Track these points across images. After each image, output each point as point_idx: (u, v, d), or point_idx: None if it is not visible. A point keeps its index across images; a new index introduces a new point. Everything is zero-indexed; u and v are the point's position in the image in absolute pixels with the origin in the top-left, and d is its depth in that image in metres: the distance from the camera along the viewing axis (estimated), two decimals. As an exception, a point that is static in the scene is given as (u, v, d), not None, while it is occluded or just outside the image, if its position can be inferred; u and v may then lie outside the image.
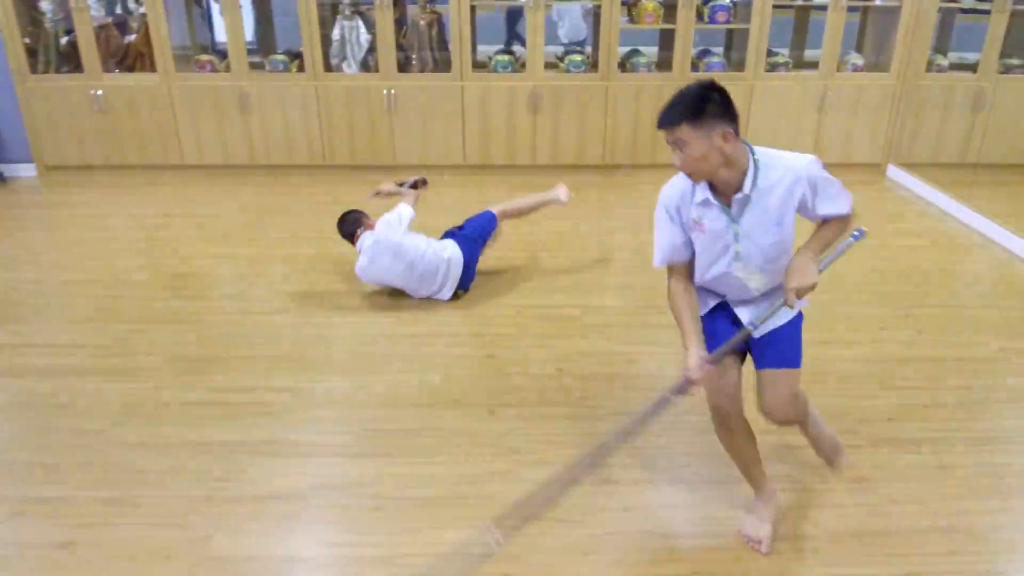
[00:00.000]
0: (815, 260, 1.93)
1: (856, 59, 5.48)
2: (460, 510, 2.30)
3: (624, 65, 5.47)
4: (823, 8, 5.27)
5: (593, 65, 5.42)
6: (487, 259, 3.87)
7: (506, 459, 2.52)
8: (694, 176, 1.95)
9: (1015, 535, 2.22)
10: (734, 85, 5.08)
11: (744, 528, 2.18)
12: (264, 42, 5.77)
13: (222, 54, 5.49)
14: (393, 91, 5.31)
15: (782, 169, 1.94)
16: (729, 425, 2.08)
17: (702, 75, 5.32)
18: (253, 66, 5.36)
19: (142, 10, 5.19)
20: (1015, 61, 5.47)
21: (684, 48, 5.31)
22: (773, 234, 1.97)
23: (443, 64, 5.45)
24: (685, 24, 5.25)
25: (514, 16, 6.62)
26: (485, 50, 5.76)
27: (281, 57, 5.39)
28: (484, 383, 2.97)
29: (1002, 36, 5.28)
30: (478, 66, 5.45)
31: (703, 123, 1.84)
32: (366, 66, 5.48)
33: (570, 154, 5.54)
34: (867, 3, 5.36)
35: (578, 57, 5.41)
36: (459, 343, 3.31)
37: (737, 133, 1.88)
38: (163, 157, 5.47)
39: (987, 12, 5.29)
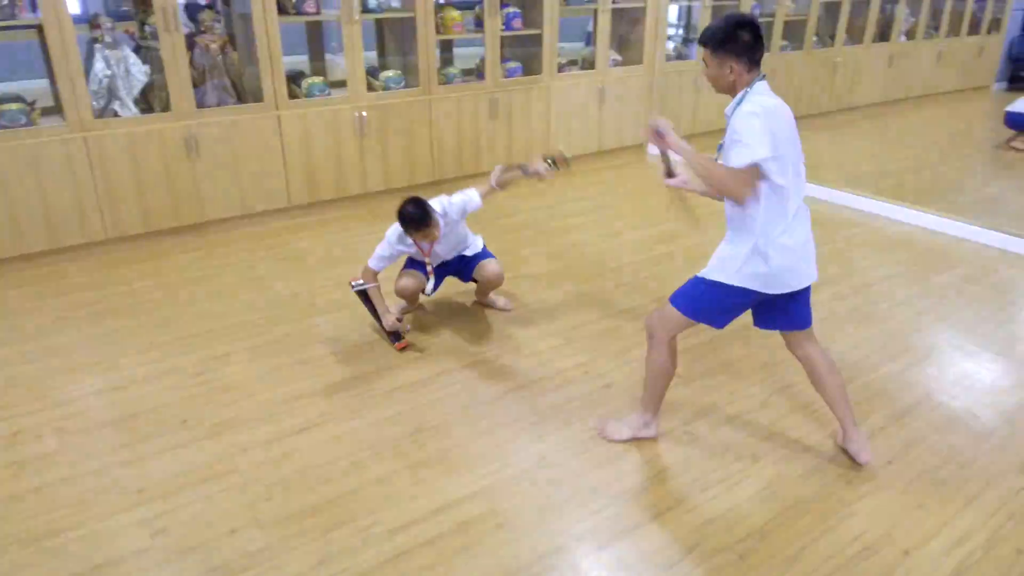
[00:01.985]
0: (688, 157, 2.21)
1: (615, 55, 6.14)
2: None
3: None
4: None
5: (415, 80, 5.11)
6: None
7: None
8: (714, 87, 2.25)
9: None
10: (534, 87, 5.35)
11: (606, 428, 2.57)
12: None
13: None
14: (194, 133, 4.31)
15: (746, 107, 2.12)
16: (650, 345, 2.41)
17: (505, 81, 5.43)
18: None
19: None
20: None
21: (494, 56, 5.34)
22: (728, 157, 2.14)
23: (250, 94, 4.58)
24: (492, 33, 5.27)
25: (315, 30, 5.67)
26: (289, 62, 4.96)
27: (14, 107, 3.93)
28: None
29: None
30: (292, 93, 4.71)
31: (719, 53, 2.16)
32: (147, 106, 4.33)
33: (402, 175, 5.20)
34: (616, 6, 6.00)
35: (393, 73, 5.04)
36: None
37: (749, 70, 2.15)
38: None
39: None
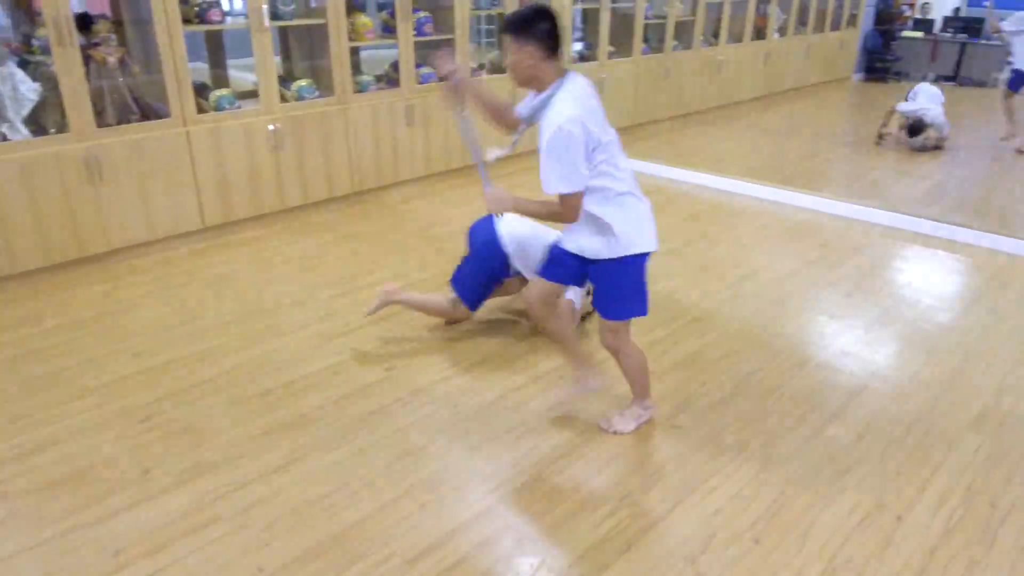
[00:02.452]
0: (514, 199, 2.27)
1: (523, 57, 6.17)
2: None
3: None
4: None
5: (327, 88, 4.92)
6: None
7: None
8: (514, 77, 2.27)
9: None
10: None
11: (613, 423, 2.66)
12: None
13: None
14: (95, 154, 3.96)
15: (553, 115, 2.16)
16: (619, 359, 2.55)
17: (420, 87, 5.34)
18: None
19: None
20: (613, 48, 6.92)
21: (408, 62, 5.23)
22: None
23: (154, 109, 4.26)
24: (406, 38, 5.16)
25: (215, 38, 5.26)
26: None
27: None
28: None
29: (608, 30, 6.62)
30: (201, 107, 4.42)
31: (518, 39, 2.20)
32: (40, 127, 3.94)
33: (320, 189, 4.99)
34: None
35: (305, 82, 4.84)
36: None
37: (546, 57, 2.20)
38: None
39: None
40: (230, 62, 5.01)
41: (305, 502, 2.30)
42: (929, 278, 4.03)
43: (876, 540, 2.17)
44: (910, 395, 2.90)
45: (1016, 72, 6.76)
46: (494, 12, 5.88)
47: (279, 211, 4.83)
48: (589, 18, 6.89)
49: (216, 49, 4.93)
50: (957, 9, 11.42)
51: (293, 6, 4.63)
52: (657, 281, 3.83)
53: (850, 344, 3.29)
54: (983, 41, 10.43)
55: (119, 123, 4.09)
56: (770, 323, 3.48)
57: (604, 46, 6.72)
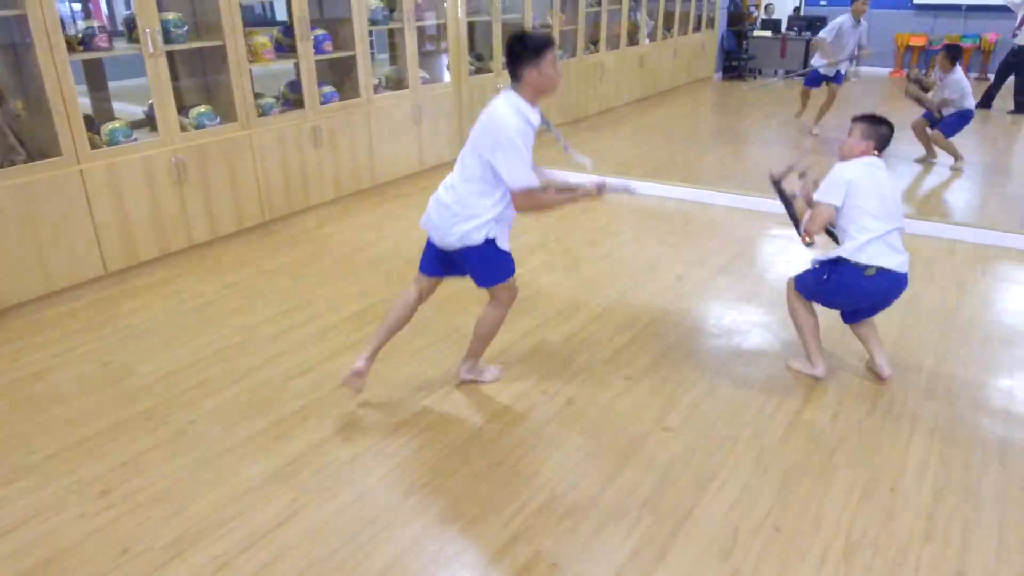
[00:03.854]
0: None
1: (423, 73, 6.10)
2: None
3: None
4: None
5: (227, 114, 4.63)
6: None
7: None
8: (552, 91, 2.63)
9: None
10: (354, 110, 5.21)
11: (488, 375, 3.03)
12: None
13: None
14: (-22, 202, 3.53)
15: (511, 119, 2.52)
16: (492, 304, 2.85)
17: (325, 108, 5.16)
18: None
19: None
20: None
21: (310, 82, 5.02)
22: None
23: (39, 148, 3.84)
24: (307, 57, 4.96)
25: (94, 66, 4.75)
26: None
27: None
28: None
29: (500, 42, 6.67)
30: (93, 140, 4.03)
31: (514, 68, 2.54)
32: (-93, 175, 3.45)
33: (229, 221, 4.69)
34: (419, 23, 5.96)
35: (204, 108, 4.53)
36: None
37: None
38: None
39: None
40: (113, 90, 4.61)
41: (321, 558, 2.14)
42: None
43: (880, 513, 2.30)
44: (874, 375, 3.10)
45: (815, 72, 7.49)
46: (392, 27, 5.76)
47: (187, 248, 4.49)
48: (481, 31, 6.91)
49: (97, 78, 4.52)
50: (797, 8, 12.42)
51: (185, 28, 4.32)
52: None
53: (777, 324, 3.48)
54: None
55: (2, 166, 3.66)
56: (710, 317, 3.62)
57: (498, 58, 6.76)
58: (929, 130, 6.22)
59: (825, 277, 2.89)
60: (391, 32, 5.83)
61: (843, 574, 2.07)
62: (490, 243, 2.65)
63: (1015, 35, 8.40)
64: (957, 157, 6.22)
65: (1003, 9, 11.06)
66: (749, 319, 3.60)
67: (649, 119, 8.67)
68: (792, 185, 3.12)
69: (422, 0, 5.93)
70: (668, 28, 10.12)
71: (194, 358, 3.31)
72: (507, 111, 2.52)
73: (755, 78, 11.70)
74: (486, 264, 2.72)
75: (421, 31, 6.10)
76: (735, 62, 11.94)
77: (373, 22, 5.50)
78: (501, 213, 2.65)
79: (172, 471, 2.54)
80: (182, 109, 4.53)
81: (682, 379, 3.07)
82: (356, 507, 2.35)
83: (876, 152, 2.92)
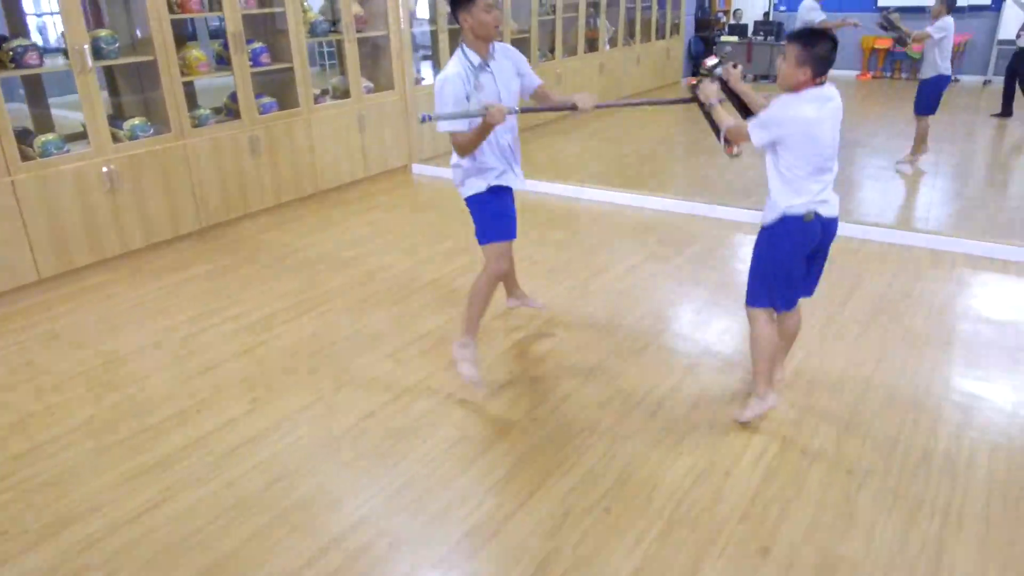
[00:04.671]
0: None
1: (367, 82, 6.30)
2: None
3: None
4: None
5: (163, 125, 4.82)
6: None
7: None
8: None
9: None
10: (294, 120, 5.39)
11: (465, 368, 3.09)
12: None
13: None
14: (-92, 212, 3.72)
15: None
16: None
17: (262, 118, 5.35)
18: None
19: None
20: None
21: (246, 93, 5.22)
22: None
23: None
24: (241, 69, 5.15)
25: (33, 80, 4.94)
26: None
27: None
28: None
29: (448, 48, 6.85)
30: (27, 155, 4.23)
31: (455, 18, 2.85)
32: None
33: (165, 228, 4.88)
34: (361, 35, 6.15)
35: (138, 120, 4.73)
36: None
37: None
38: None
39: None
40: (55, 102, 4.81)
41: (178, 539, 2.32)
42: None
43: (709, 494, 2.48)
44: (735, 367, 3.28)
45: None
46: (332, 39, 5.95)
47: (122, 255, 4.68)
48: (433, 39, 7.09)
49: (36, 91, 4.72)
50: (767, 14, 12.61)
51: (117, 44, 4.52)
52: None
53: (685, 327, 3.66)
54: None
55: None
56: (615, 315, 3.80)
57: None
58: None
59: (771, 245, 2.71)
60: (339, 43, 6.02)
61: (654, 551, 2.25)
62: (472, 199, 2.99)
63: (1019, 36, 8.23)
64: (917, 151, 6.19)
65: (972, 9, 11.25)
66: (623, 322, 3.78)
67: (611, 125, 8.83)
68: (707, 90, 2.82)
69: (364, 12, 6.12)
70: (630, 35, 10.30)
71: (110, 357, 3.49)
72: (450, 61, 2.85)
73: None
74: (474, 218, 3.03)
75: (368, 41, 6.29)
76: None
77: (313, 34, 5.69)
78: (470, 163, 2.95)
79: (64, 462, 2.72)
80: (117, 121, 4.73)
81: (563, 373, 3.25)
82: (224, 493, 2.53)
83: (818, 79, 2.50)
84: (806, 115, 2.49)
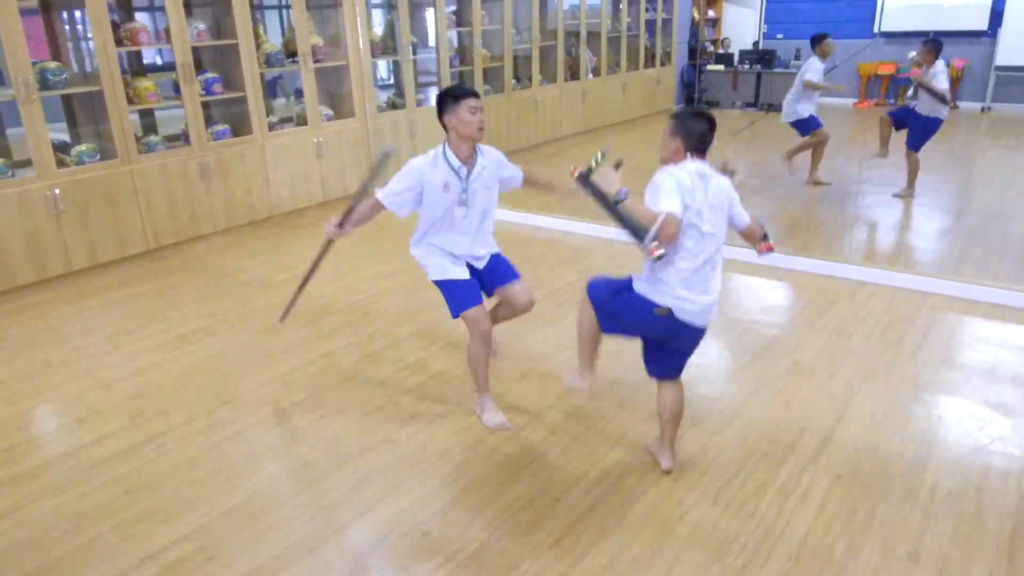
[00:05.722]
0: None
1: (327, 110, 6.50)
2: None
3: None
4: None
5: (112, 153, 5.05)
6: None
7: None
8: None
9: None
10: (247, 146, 5.58)
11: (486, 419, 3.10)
12: None
13: None
14: None
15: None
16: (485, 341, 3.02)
17: (214, 144, 5.57)
18: None
19: None
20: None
21: (197, 121, 5.44)
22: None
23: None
24: (192, 99, 5.38)
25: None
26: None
27: None
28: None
29: (414, 79, 7.04)
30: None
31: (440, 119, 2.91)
32: None
33: (110, 249, 5.09)
34: (320, 64, 6.35)
35: (85, 147, 4.96)
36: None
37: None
38: None
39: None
40: (13, 132, 5.07)
41: (10, 543, 2.44)
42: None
43: (525, 524, 2.53)
44: (596, 392, 3.33)
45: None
46: (287, 69, 6.17)
47: (65, 274, 4.89)
48: (396, 68, 7.30)
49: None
50: (756, 43, 12.64)
51: (64, 75, 4.76)
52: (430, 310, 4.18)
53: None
54: (777, 71, 11.61)
55: None
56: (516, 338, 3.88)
57: (411, 94, 7.14)
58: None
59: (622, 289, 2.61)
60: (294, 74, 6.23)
61: (444, 573, 2.31)
62: (438, 282, 3.01)
63: None
64: (911, 183, 6.27)
65: (970, 35, 11.16)
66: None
67: (592, 149, 8.90)
68: (609, 179, 2.55)
69: (323, 42, 6.33)
70: (616, 64, 10.43)
71: (28, 369, 3.67)
72: (428, 153, 2.92)
73: (712, 109, 11.90)
74: (443, 296, 3.03)
75: (326, 71, 6.50)
76: (694, 94, 12.20)
77: (268, 64, 5.91)
78: (426, 245, 3.02)
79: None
80: (66, 147, 4.96)
81: (439, 397, 3.33)
82: (72, 505, 2.65)
83: (693, 154, 2.46)
84: (682, 180, 2.41)
